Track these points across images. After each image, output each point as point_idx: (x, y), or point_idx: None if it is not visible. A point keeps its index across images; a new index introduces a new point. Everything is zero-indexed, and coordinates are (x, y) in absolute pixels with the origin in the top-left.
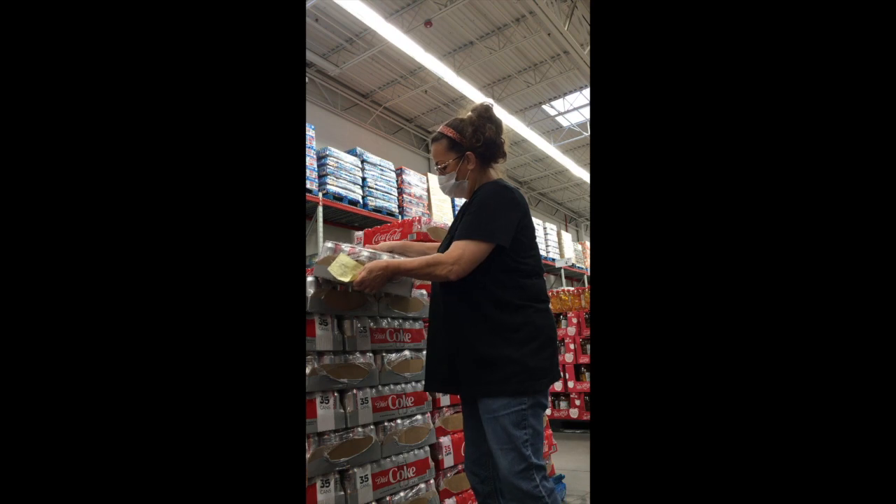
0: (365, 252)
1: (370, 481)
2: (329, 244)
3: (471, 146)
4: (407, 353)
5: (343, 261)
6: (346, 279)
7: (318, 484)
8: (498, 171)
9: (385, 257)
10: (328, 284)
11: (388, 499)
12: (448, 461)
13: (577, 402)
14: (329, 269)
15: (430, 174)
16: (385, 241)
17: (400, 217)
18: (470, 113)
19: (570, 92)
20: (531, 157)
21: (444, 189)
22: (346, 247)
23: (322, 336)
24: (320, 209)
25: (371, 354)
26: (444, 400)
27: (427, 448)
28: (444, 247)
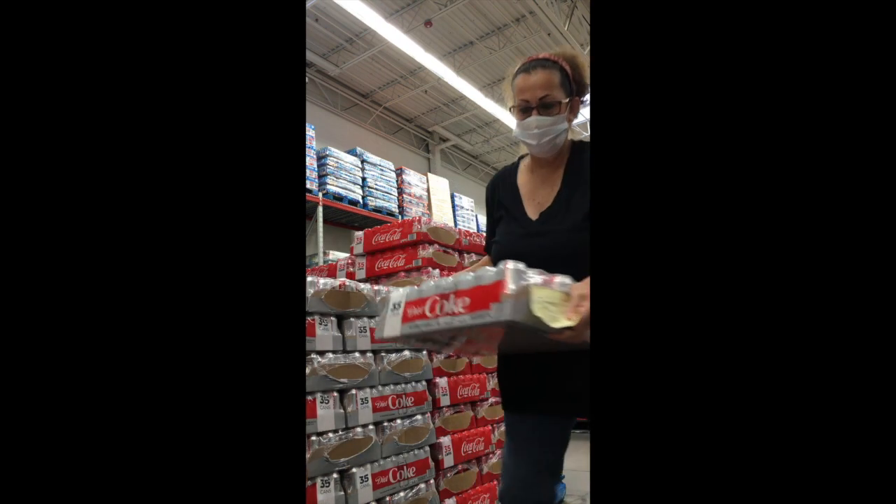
0: (558, 277)
1: (370, 481)
2: (511, 265)
3: (580, 92)
4: (407, 353)
5: (546, 296)
6: (558, 325)
7: (318, 484)
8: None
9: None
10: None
11: (388, 499)
12: (448, 461)
13: None
14: (534, 311)
15: (429, 174)
16: (385, 240)
17: (400, 217)
18: (571, 52)
19: None
20: None
21: (537, 135)
22: (533, 273)
23: (322, 336)
24: (320, 209)
25: (371, 354)
26: (444, 400)
27: (427, 448)
28: (563, 226)
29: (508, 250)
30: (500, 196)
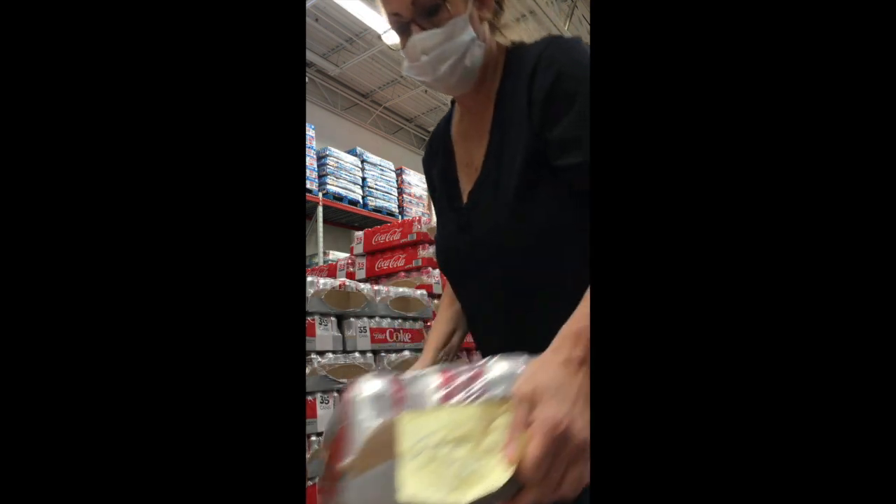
0: (506, 362)
1: None
2: (361, 389)
3: None
4: (407, 353)
5: (442, 428)
6: (472, 494)
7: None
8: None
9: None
10: None
11: None
12: None
13: None
14: (405, 490)
15: None
16: (385, 240)
17: (400, 217)
18: None
19: None
20: None
21: (429, 64)
22: (433, 375)
23: (322, 336)
24: (320, 209)
25: (371, 354)
26: None
27: None
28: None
29: (443, 262)
30: (436, 166)
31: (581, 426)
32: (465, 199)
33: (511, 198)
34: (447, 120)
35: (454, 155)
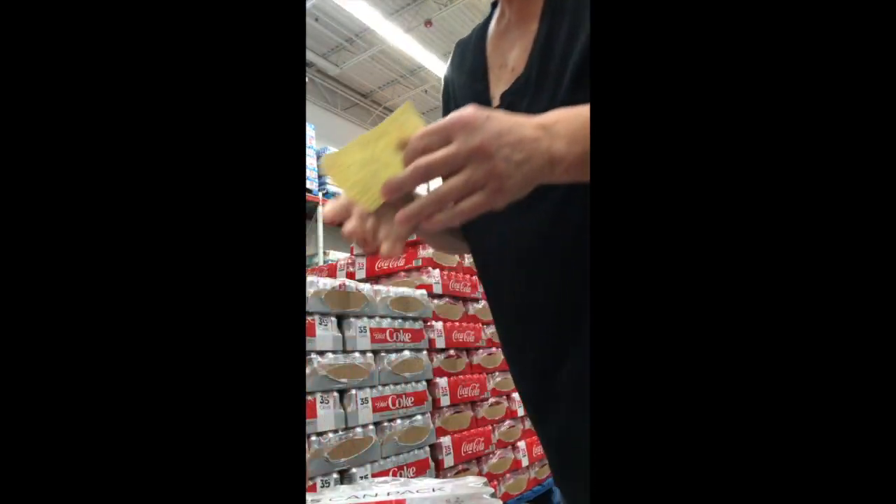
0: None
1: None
2: None
3: None
4: (407, 353)
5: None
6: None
7: (318, 484)
8: None
9: None
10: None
11: None
12: (448, 461)
13: None
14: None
15: None
16: None
17: None
18: None
19: None
20: None
21: None
22: None
23: (322, 336)
24: (320, 209)
25: (371, 354)
26: (445, 400)
27: (427, 448)
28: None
29: None
30: (456, 81)
31: (510, 156)
32: (496, 102)
33: (566, 92)
34: (483, 25)
35: (486, 56)
